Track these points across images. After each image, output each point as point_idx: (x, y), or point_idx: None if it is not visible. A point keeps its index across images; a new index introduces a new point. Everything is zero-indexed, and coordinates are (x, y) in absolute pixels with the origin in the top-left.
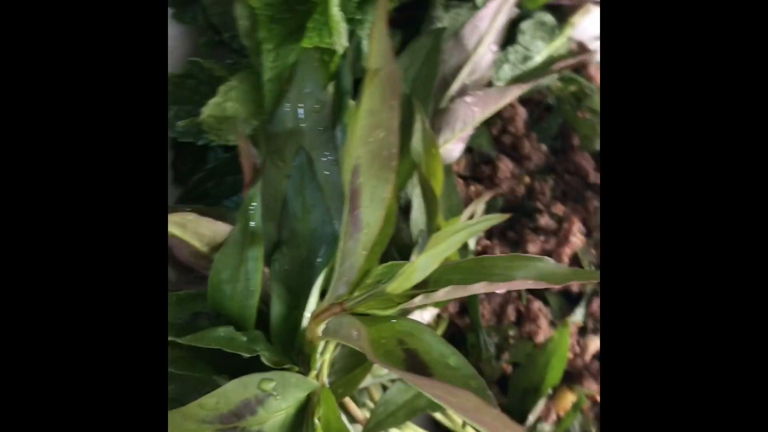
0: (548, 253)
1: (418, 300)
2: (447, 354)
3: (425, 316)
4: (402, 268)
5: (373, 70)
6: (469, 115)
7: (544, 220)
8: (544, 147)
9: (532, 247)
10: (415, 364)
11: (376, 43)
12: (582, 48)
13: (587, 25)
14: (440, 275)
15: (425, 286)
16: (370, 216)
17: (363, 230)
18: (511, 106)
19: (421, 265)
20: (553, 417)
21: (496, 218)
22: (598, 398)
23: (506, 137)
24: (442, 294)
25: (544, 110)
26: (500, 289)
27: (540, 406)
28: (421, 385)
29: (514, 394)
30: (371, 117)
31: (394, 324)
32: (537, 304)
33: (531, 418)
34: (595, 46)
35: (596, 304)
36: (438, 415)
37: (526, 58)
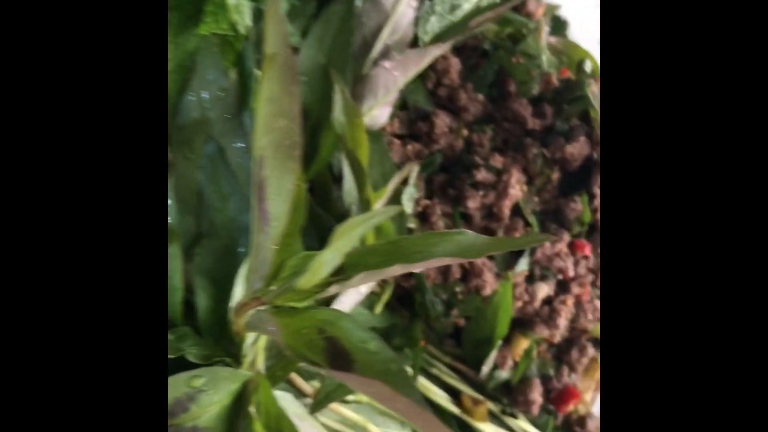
0: (488, 208)
1: (333, 289)
2: (367, 339)
3: (362, 288)
4: (310, 262)
5: (269, 56)
6: (390, 81)
7: (482, 175)
8: (480, 96)
9: (472, 203)
10: (336, 351)
11: (271, 27)
12: None
13: None
14: (357, 260)
15: (342, 272)
16: (278, 209)
17: (272, 223)
18: (443, 57)
19: (327, 260)
20: (509, 363)
21: (393, 210)
22: (553, 341)
23: (442, 90)
24: (357, 281)
25: (480, 57)
26: (416, 269)
27: (492, 357)
28: (340, 378)
29: (467, 345)
30: (272, 105)
31: (313, 313)
32: (480, 260)
33: (485, 368)
34: None
35: (540, 253)
36: None
37: (453, 7)
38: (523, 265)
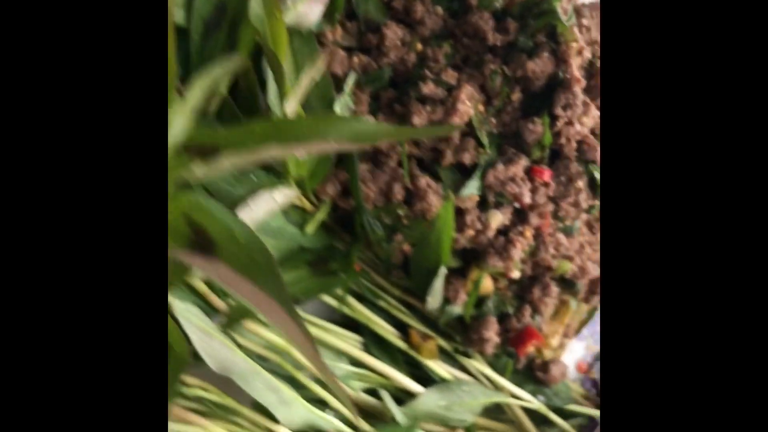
0: (437, 125)
1: (198, 170)
2: (234, 227)
3: (278, 196)
4: None
5: None
6: None
7: (429, 88)
8: (440, 9)
9: (418, 119)
10: (201, 240)
11: None
12: None
13: None
14: (229, 140)
15: (213, 152)
16: None
17: None
18: None
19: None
20: (462, 297)
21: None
22: (509, 274)
23: (397, 1)
24: (227, 162)
25: None
26: (297, 152)
27: (438, 287)
28: (198, 265)
29: (415, 275)
30: None
31: (180, 198)
32: (424, 180)
33: (429, 299)
34: None
35: (492, 176)
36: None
37: None
38: (471, 188)
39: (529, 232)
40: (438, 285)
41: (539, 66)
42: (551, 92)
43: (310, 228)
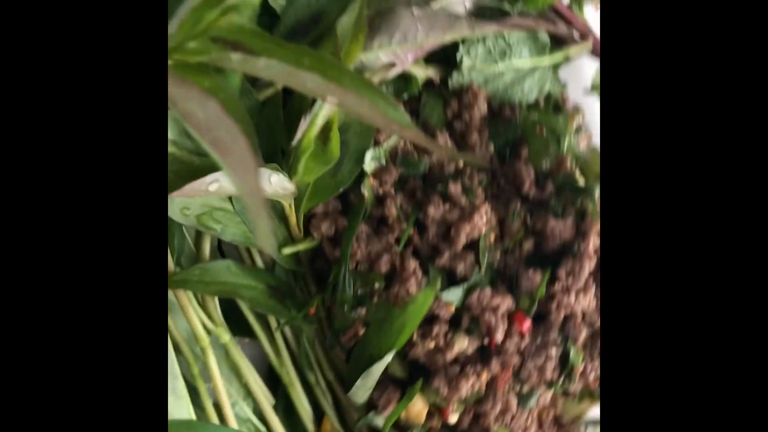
0: (447, 224)
1: (236, 61)
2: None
3: (274, 179)
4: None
5: None
6: (411, 30)
7: (456, 188)
8: (492, 147)
9: (433, 211)
10: None
11: None
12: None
13: (581, 66)
14: (276, 51)
15: (254, 53)
16: None
17: None
18: (473, 93)
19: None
20: (389, 410)
21: None
22: (447, 413)
23: (458, 123)
24: (264, 68)
25: (506, 120)
26: (330, 96)
27: (375, 371)
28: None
29: (359, 357)
30: None
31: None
32: (413, 265)
33: (359, 383)
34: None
35: (475, 296)
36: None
37: (503, 54)
38: (453, 295)
39: (485, 376)
40: (376, 370)
41: (560, 226)
42: (561, 257)
43: (288, 250)
